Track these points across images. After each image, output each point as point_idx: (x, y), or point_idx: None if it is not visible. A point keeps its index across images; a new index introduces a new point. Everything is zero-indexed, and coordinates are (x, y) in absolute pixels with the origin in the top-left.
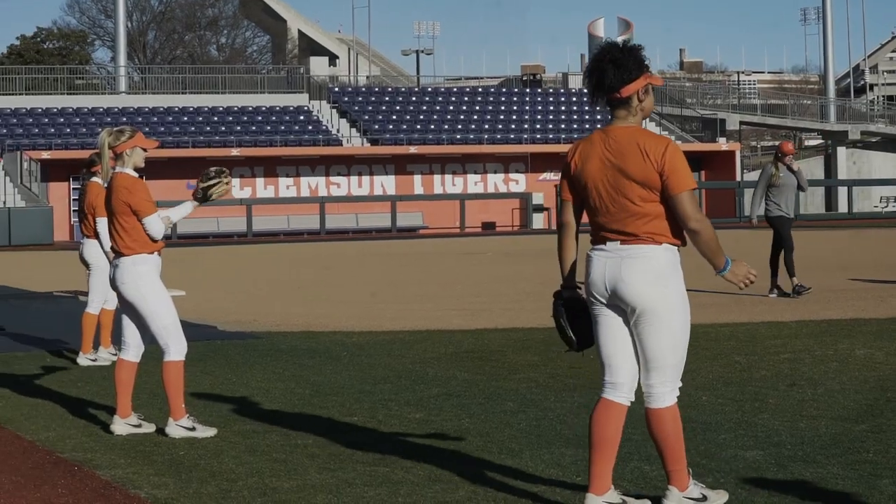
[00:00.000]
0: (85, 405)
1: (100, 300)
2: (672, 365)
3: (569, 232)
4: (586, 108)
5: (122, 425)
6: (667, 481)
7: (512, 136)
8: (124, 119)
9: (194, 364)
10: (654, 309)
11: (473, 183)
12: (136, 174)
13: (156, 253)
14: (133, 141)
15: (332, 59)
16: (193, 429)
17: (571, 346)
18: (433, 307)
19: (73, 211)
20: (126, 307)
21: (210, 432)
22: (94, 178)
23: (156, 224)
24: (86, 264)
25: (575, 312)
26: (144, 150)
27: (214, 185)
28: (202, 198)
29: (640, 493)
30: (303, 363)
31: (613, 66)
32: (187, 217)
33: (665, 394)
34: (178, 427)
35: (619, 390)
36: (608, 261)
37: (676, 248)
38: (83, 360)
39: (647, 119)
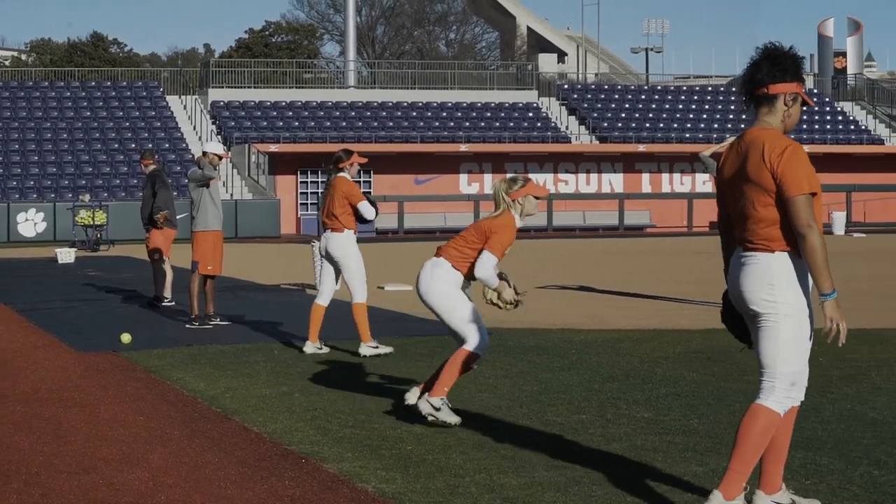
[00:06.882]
0: (312, 398)
1: (364, 288)
2: (781, 373)
3: (723, 236)
4: (816, 108)
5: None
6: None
7: None
8: (353, 114)
9: (423, 358)
10: (764, 315)
11: (702, 182)
12: (520, 222)
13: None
14: (525, 189)
15: (561, 56)
16: (439, 409)
17: (740, 341)
18: (663, 306)
19: (301, 204)
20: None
21: (454, 419)
22: (342, 174)
23: (488, 264)
24: (331, 260)
25: (734, 311)
26: (537, 198)
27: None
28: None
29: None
30: (530, 360)
31: (769, 62)
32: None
33: (764, 390)
34: (427, 403)
35: None
36: (734, 268)
37: (790, 255)
38: (365, 349)
39: (885, 126)
